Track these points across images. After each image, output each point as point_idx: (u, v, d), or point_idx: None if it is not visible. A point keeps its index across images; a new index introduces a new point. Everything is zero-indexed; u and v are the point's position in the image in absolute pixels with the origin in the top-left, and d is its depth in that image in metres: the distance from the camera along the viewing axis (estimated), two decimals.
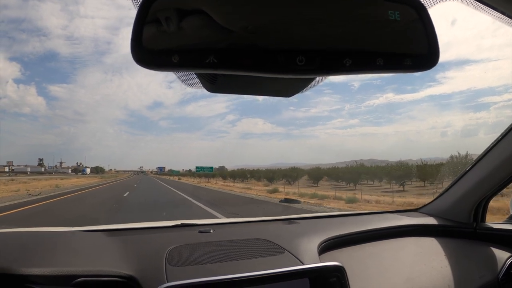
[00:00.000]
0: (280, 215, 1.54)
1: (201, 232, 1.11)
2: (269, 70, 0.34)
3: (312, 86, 0.43)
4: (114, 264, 0.79)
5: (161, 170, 61.47)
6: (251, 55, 0.33)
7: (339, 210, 8.96)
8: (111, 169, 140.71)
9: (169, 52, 0.33)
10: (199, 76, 0.41)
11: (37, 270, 0.70)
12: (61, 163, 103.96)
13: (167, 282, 0.68)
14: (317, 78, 0.40)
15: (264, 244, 0.94)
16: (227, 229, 1.25)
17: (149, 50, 0.34)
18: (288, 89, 0.45)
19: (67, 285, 0.71)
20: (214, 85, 0.43)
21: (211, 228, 1.13)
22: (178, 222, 1.28)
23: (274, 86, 0.44)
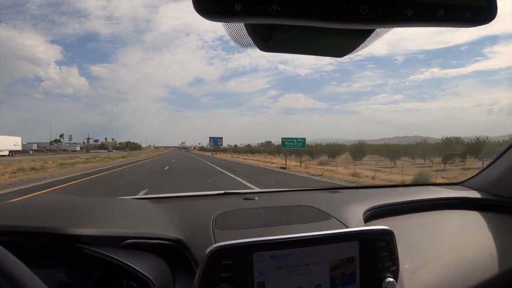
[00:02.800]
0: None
1: (246, 199, 1.21)
2: (333, 18, 0.33)
3: (365, 46, 0.42)
4: (161, 228, 0.86)
5: (216, 143, 51.92)
6: (317, 3, 0.32)
7: None
8: (149, 145, 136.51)
9: (232, 0, 0.31)
10: (253, 34, 0.40)
11: (86, 230, 0.74)
12: (88, 139, 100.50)
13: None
14: (372, 35, 0.39)
15: (309, 210, 0.99)
16: (271, 197, 1.37)
17: None
18: (342, 48, 0.43)
19: (116, 246, 0.75)
20: (269, 42, 0.41)
21: (255, 196, 1.24)
22: (222, 191, 1.45)
23: (329, 44, 0.43)
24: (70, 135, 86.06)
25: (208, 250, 0.68)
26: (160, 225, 0.88)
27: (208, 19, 0.33)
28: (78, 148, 68.38)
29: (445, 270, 0.89)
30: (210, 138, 50.44)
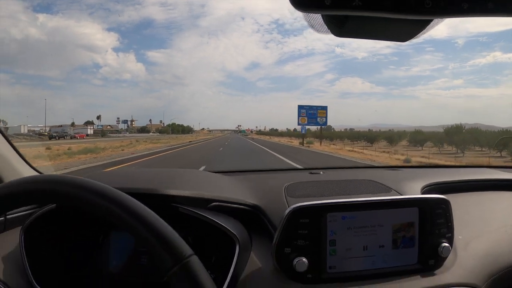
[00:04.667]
0: None
1: (311, 173, 1.34)
2: (402, 11, 0.39)
3: (427, 31, 0.47)
4: (240, 195, 0.98)
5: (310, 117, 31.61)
6: None
7: None
8: (202, 128, 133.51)
9: None
10: (329, 21, 0.46)
11: (181, 192, 0.86)
12: (132, 121, 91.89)
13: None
14: (432, 23, 0.45)
15: (371, 184, 1.09)
16: (335, 172, 1.51)
17: None
18: (406, 33, 0.49)
19: (204, 207, 0.87)
20: (342, 29, 0.46)
21: (320, 171, 1.38)
22: (288, 167, 1.36)
23: (395, 30, 0.49)
24: (99, 115, 73.58)
25: (289, 209, 0.78)
26: (238, 193, 0.99)
27: (300, 11, 0.39)
28: (91, 132, 54.55)
29: (496, 243, 0.96)
30: (299, 108, 32.23)
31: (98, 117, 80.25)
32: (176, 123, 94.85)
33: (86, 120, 76.67)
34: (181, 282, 0.47)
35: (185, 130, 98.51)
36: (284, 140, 42.70)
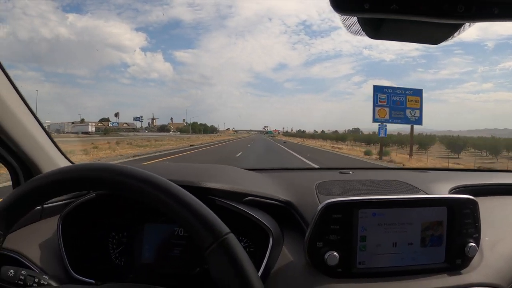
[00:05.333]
0: None
1: (341, 172, 1.37)
2: (436, 15, 0.41)
3: (458, 35, 0.49)
4: (273, 191, 1.01)
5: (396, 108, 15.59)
6: (425, 3, 0.40)
7: None
8: (228, 128, 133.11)
9: (361, 0, 0.39)
10: (364, 24, 0.48)
11: (218, 185, 0.90)
12: (153, 119, 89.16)
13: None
14: (464, 26, 0.47)
15: (399, 184, 1.12)
16: (364, 172, 1.54)
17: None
18: (439, 36, 0.51)
19: (239, 201, 0.90)
20: (378, 31, 0.48)
21: (350, 171, 1.40)
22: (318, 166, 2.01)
23: (428, 33, 0.50)
24: (117, 113, 69.68)
25: (322, 204, 0.80)
26: (271, 189, 1.03)
27: (339, 13, 0.42)
28: (92, 129, 50.61)
29: None
30: (376, 91, 17.14)
31: (116, 115, 78.33)
32: (198, 123, 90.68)
33: (101, 117, 74.10)
34: (220, 257, 0.50)
35: (208, 129, 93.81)
36: (320, 144, 38.93)
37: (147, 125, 79.60)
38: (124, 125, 75.73)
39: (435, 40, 0.52)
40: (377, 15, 0.42)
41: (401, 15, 0.41)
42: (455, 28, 0.47)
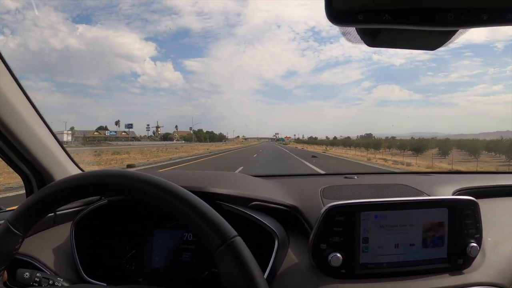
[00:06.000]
0: None
1: (346, 177, 1.41)
2: (428, 23, 0.43)
3: (453, 41, 0.51)
4: (279, 196, 1.05)
5: None
6: (416, 13, 0.42)
7: None
8: (237, 136, 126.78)
9: (356, 12, 0.42)
10: (363, 33, 0.50)
11: (224, 190, 0.94)
12: (157, 127, 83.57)
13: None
14: (457, 33, 0.49)
15: (403, 188, 1.16)
16: (369, 177, 1.56)
17: (339, 11, 0.42)
18: (434, 42, 0.52)
19: (245, 206, 0.94)
20: (375, 40, 0.50)
21: (354, 176, 1.45)
22: (324, 172, 2.02)
23: (424, 40, 0.52)
24: (118, 121, 65.77)
25: (325, 207, 0.83)
26: (277, 194, 1.07)
27: (336, 25, 0.44)
28: (68, 138, 47.15)
29: None
30: None
31: (117, 123, 74.49)
32: (204, 130, 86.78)
33: (99, 126, 70.97)
34: (227, 258, 0.52)
35: (215, 137, 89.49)
36: (353, 155, 30.22)
37: (151, 133, 77.46)
38: (123, 133, 72.88)
39: (432, 46, 0.54)
40: (372, 26, 0.44)
41: (394, 24, 0.43)
42: (450, 34, 0.49)
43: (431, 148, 36.27)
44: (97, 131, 69.05)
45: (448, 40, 0.51)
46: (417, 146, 36.20)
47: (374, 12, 0.42)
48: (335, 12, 0.42)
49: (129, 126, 75.68)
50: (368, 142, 51.59)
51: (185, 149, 37.22)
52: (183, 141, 71.10)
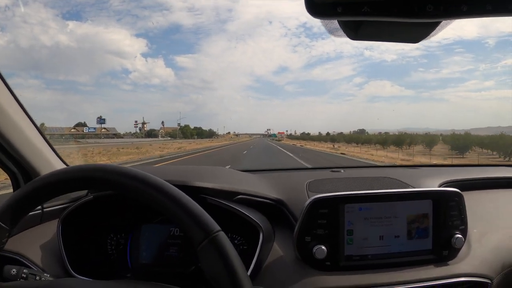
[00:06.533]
0: None
1: (333, 171, 1.43)
2: (408, 15, 0.43)
3: (436, 33, 0.51)
4: (264, 190, 1.07)
5: None
6: (395, 5, 0.42)
7: None
8: (228, 132, 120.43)
9: (334, 4, 0.42)
10: (345, 26, 0.50)
11: (209, 184, 0.95)
12: (143, 123, 77.86)
13: None
14: (442, 23, 0.48)
15: (389, 181, 1.18)
16: (355, 170, 1.61)
17: (319, 3, 0.43)
18: (416, 35, 0.53)
19: (230, 199, 0.94)
20: (357, 32, 0.51)
21: (341, 169, 1.47)
22: (310, 166, 2.04)
23: (406, 32, 0.52)
24: (100, 117, 63.00)
25: (309, 200, 0.85)
26: (262, 188, 1.09)
27: (316, 18, 0.44)
28: None
29: (510, 237, 1.01)
30: None
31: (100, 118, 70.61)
32: (192, 126, 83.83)
33: (78, 122, 67.56)
34: (210, 253, 0.53)
35: (203, 133, 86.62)
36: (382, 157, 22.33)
37: (138, 130, 74.72)
38: (103, 130, 69.63)
39: (415, 39, 0.54)
40: (351, 18, 0.44)
41: (374, 17, 0.43)
42: (432, 26, 0.49)
43: (415, 143, 36.44)
44: (74, 128, 66.15)
45: (430, 33, 0.51)
46: (399, 140, 36.98)
47: (353, 4, 0.42)
48: (314, 5, 0.43)
49: (101, 121, 68.88)
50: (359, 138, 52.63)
51: (147, 149, 27.58)
52: (169, 138, 67.17)
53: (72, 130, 65.58)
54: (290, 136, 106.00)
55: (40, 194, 0.60)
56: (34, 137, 1.02)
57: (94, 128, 69.22)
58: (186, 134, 77.79)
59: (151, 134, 76.32)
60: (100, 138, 55.69)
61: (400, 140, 37.45)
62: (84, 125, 67.50)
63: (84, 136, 57.70)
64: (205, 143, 43.71)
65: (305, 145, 42.98)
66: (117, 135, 68.49)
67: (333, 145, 39.71)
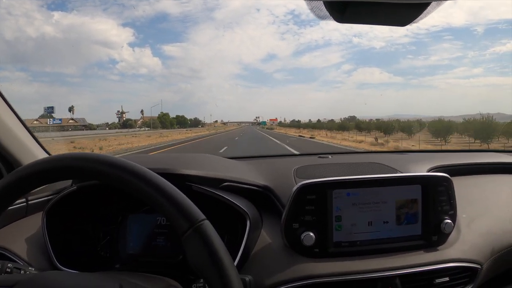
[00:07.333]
0: None
1: (320, 157, 1.46)
2: None
3: (424, 16, 0.50)
4: (251, 177, 1.09)
5: None
6: None
7: None
8: (215, 121, 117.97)
9: None
10: (331, 8, 0.49)
11: (194, 171, 0.95)
12: (122, 112, 73.59)
13: None
14: (430, 7, 0.47)
15: (378, 166, 1.21)
16: (343, 156, 1.66)
17: None
18: (403, 18, 0.52)
19: (216, 187, 0.95)
20: (344, 15, 0.50)
21: (329, 155, 1.50)
22: (298, 152, 2.02)
23: (394, 14, 0.52)
24: (71, 106, 58.55)
25: (296, 186, 0.85)
26: (250, 175, 1.10)
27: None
28: None
29: (500, 222, 1.04)
30: None
31: (71, 109, 66.34)
32: (172, 115, 79.19)
33: (41, 114, 62.27)
34: (195, 243, 0.52)
35: (186, 122, 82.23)
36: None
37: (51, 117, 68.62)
38: (70, 121, 64.90)
39: (402, 22, 0.54)
40: None
41: None
42: (419, 10, 0.49)
43: (397, 131, 36.36)
44: (37, 120, 61.05)
45: (417, 16, 0.50)
46: (382, 127, 37.60)
47: None
48: None
49: (49, 110, 61.07)
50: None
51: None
52: (147, 128, 63.65)
53: (35, 122, 58.70)
54: (280, 124, 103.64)
55: (23, 184, 0.58)
56: (16, 127, 1.01)
57: (60, 120, 64.16)
58: (165, 123, 74.30)
59: (127, 124, 72.05)
60: (67, 130, 52.24)
61: (390, 128, 36.43)
62: (49, 116, 62.53)
63: (48, 129, 53.47)
64: (174, 135, 36.94)
65: (318, 134, 38.67)
66: (87, 127, 64.93)
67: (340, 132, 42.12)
